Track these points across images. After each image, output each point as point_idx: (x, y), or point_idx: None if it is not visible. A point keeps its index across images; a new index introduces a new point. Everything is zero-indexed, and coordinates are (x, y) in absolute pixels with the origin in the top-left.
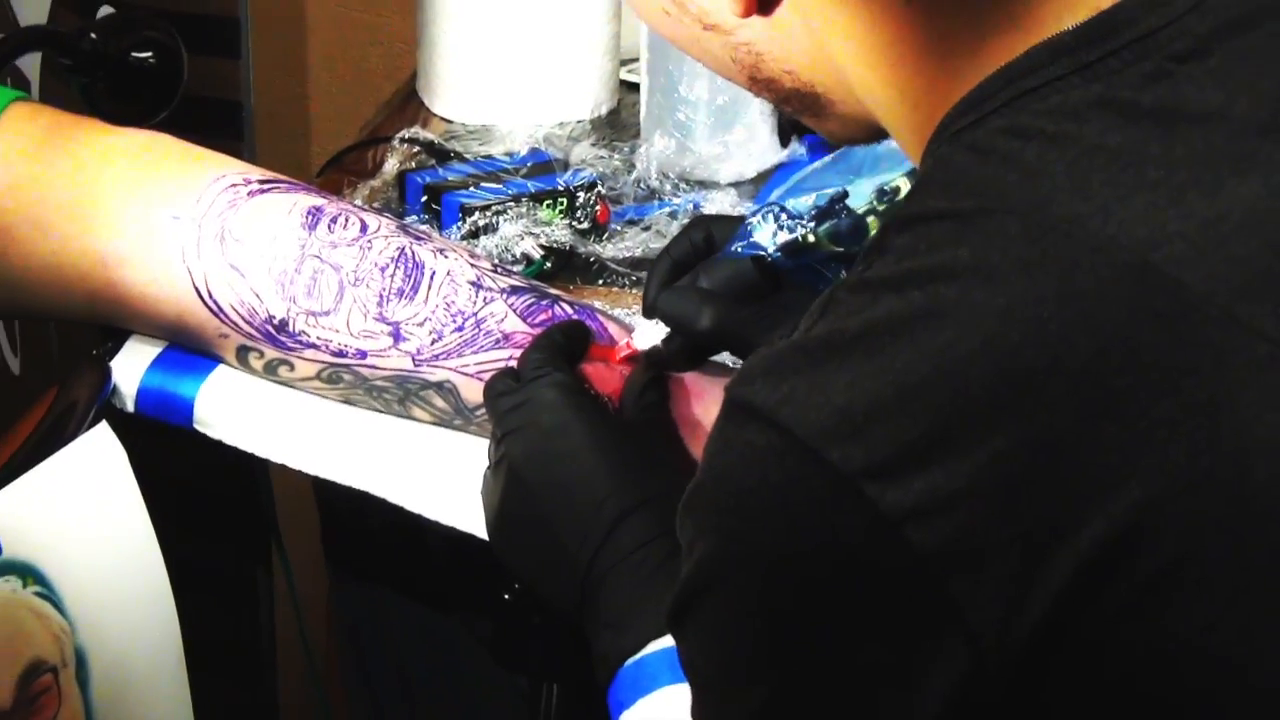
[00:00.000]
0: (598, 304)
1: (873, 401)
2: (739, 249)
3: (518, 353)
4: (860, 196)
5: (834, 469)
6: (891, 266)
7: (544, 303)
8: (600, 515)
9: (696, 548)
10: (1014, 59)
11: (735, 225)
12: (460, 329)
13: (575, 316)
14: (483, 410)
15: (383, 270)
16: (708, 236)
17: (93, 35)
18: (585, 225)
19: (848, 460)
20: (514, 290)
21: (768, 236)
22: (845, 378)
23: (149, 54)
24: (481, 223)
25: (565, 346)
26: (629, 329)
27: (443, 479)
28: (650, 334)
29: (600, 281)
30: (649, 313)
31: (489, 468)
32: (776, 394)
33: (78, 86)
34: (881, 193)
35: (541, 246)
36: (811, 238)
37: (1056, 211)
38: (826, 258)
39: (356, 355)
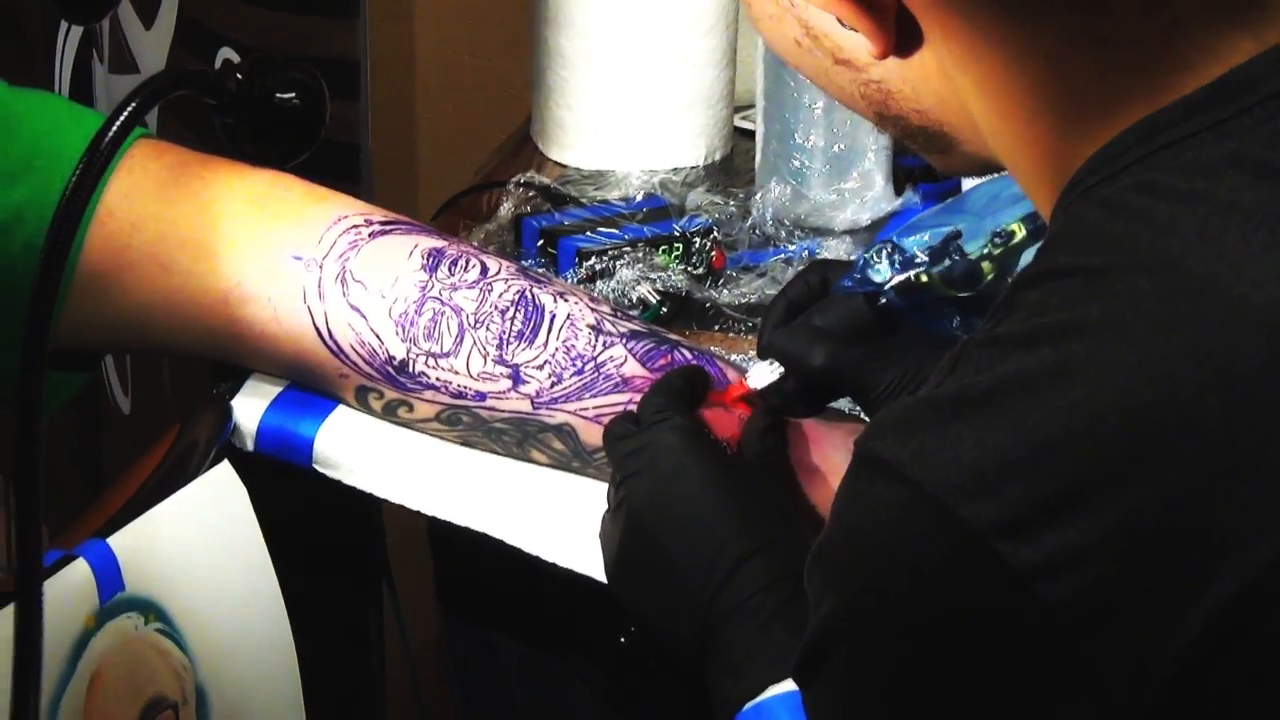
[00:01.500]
0: (714, 349)
1: (1003, 458)
2: (851, 284)
3: (637, 397)
4: (975, 240)
5: (964, 525)
6: (1021, 323)
7: (663, 348)
8: (721, 558)
9: (825, 601)
10: (1147, 115)
11: (850, 268)
12: (580, 372)
13: (694, 361)
14: (601, 454)
15: (503, 313)
16: (823, 279)
17: (239, 75)
18: (701, 271)
19: (978, 516)
20: (633, 335)
21: (881, 275)
22: (976, 434)
23: (293, 94)
24: (598, 267)
25: (684, 391)
26: (744, 372)
27: (560, 521)
28: (764, 374)
29: (716, 327)
30: (763, 351)
31: (608, 511)
32: (907, 449)
33: (221, 128)
34: (996, 237)
35: (658, 291)
36: (925, 278)
37: (1189, 269)
38: (940, 300)
39: (475, 397)
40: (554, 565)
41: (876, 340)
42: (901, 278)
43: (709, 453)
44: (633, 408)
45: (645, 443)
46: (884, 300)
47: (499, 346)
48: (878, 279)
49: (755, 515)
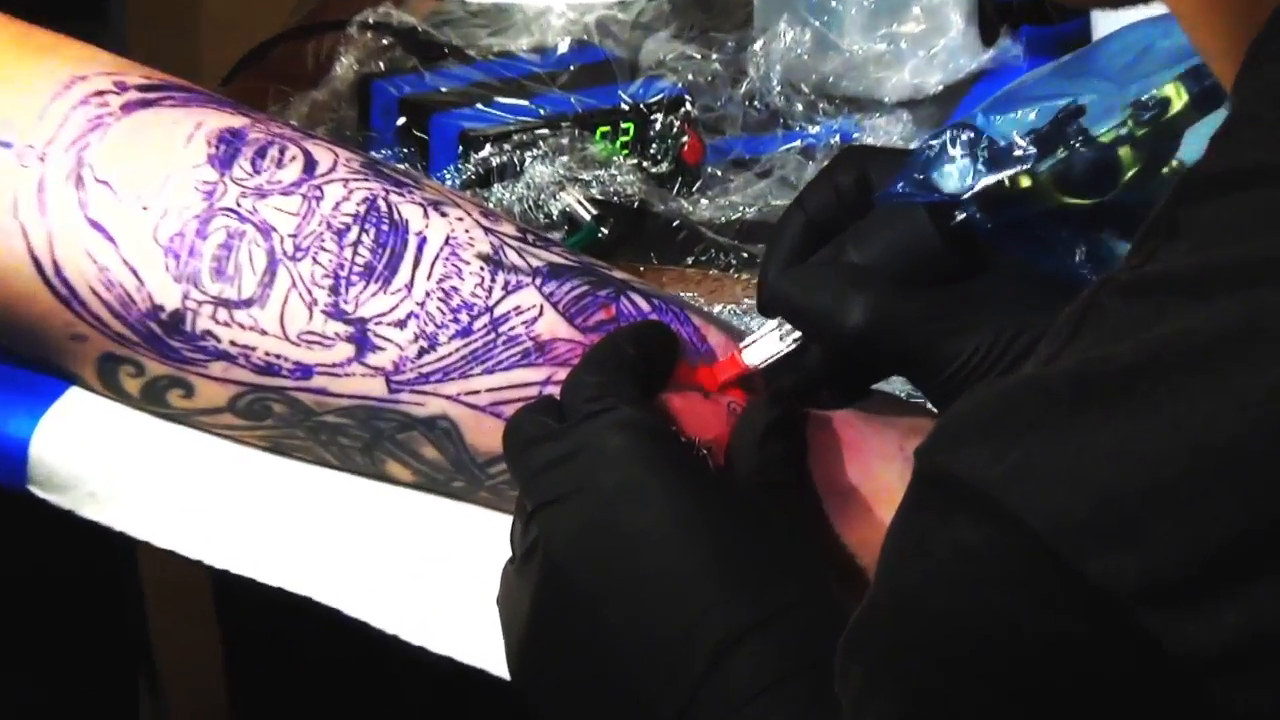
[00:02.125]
0: (687, 296)
1: (1155, 480)
2: (908, 192)
3: (559, 374)
4: (1108, 118)
5: (1093, 587)
6: (1187, 258)
7: (603, 294)
8: (696, 641)
9: (869, 711)
10: None
11: (901, 163)
12: (466, 332)
13: (653, 317)
14: (500, 467)
15: (339, 236)
16: (862, 181)
17: None
18: (665, 168)
19: (1116, 573)
20: (553, 272)
21: (957, 177)
22: (1111, 440)
23: None
24: (496, 162)
25: (638, 365)
26: (738, 336)
27: (430, 578)
28: (770, 343)
29: (690, 260)
30: (768, 304)
31: (512, 561)
32: (1000, 465)
33: None
34: (1141, 108)
35: (594, 202)
36: (1028, 181)
37: None
38: (1052, 217)
39: (295, 373)
40: (419, 649)
41: (949, 284)
42: (990, 181)
43: (678, 466)
44: (554, 391)
45: (574, 448)
46: (961, 218)
47: (334, 291)
48: (951, 184)
49: (752, 569)
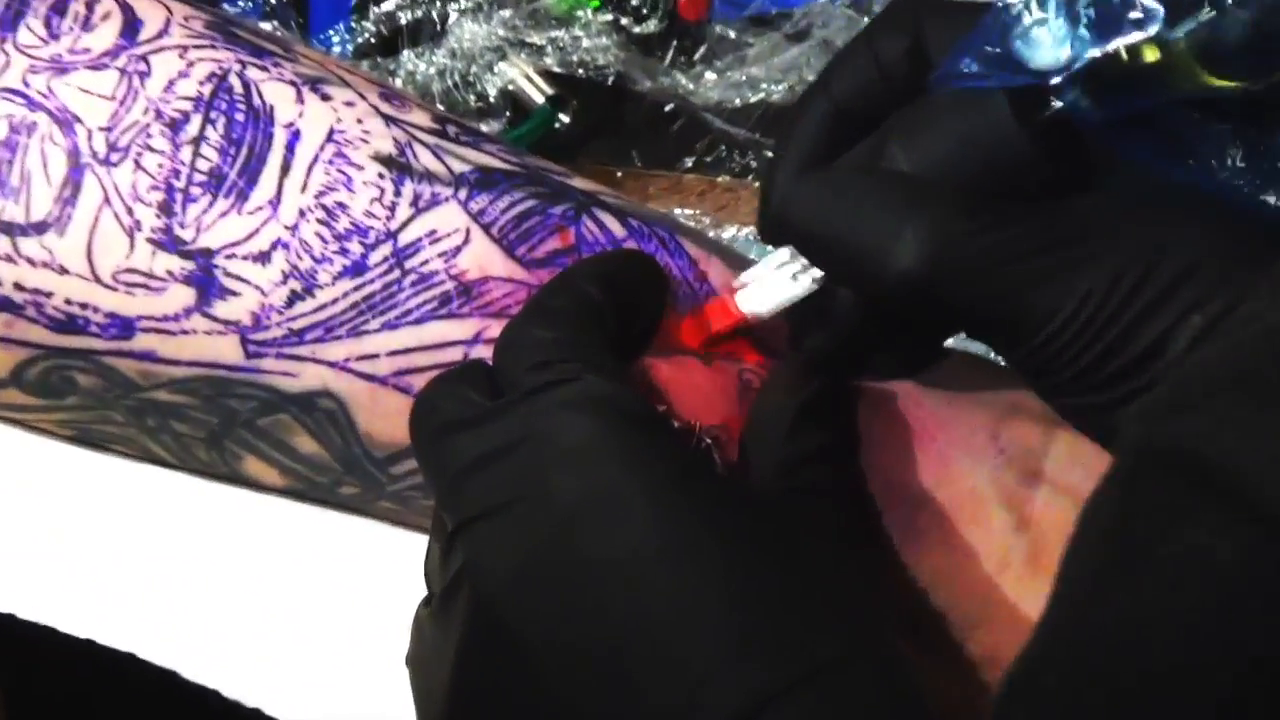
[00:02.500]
0: (684, 215)
1: None
2: (977, 70)
3: (494, 327)
4: None
5: None
6: None
7: (556, 210)
8: (699, 714)
9: None
10: None
11: (973, 23)
12: (358, 269)
13: (628, 244)
14: (409, 465)
15: (174, 129)
16: (915, 53)
17: None
18: (653, 26)
19: None
20: (485, 181)
21: (1048, 49)
22: None
23: None
24: (405, 19)
25: (609, 316)
26: (736, 268)
27: (303, 624)
28: (777, 283)
29: (689, 162)
30: (775, 227)
31: (427, 602)
32: (1252, 438)
33: None
34: None
35: (549, 77)
36: (1154, 53)
37: None
38: (1193, 104)
39: (109, 329)
40: None
41: (1040, 205)
42: (1100, 53)
43: (668, 463)
44: (486, 353)
45: (515, 437)
46: (1057, 107)
47: (165, 210)
48: (1042, 57)
49: (777, 614)
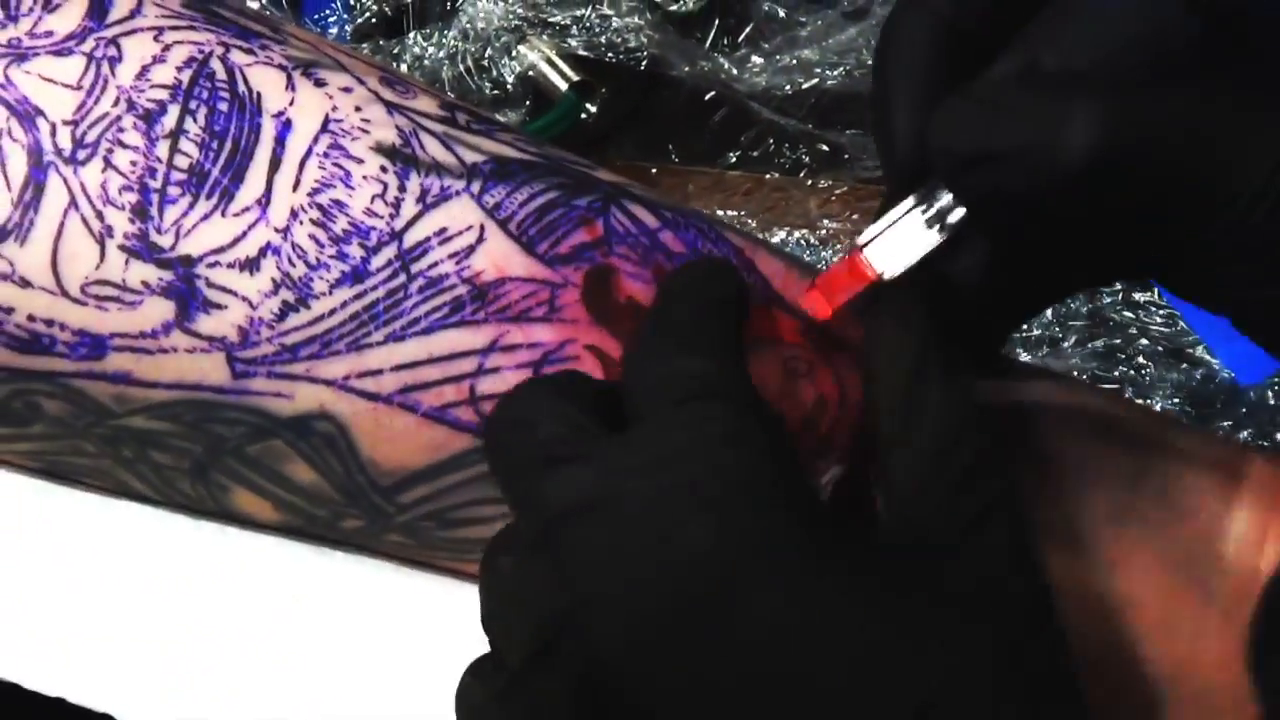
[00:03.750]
0: (728, 217)
1: None
2: None
3: (514, 334)
4: None
5: None
6: None
7: (581, 202)
8: None
9: None
10: None
11: None
12: (358, 275)
13: (664, 235)
14: (421, 491)
15: (149, 122)
16: None
17: None
18: (691, 4)
19: None
20: (501, 172)
21: None
22: None
23: None
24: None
25: (735, 334)
26: (811, 273)
27: (305, 687)
28: (912, 232)
29: (734, 157)
30: (905, 166)
31: (481, 670)
32: None
33: None
34: None
35: (574, 61)
36: None
37: None
38: None
39: (78, 348)
40: None
41: (1227, 69)
42: None
43: (830, 531)
44: (501, 363)
45: (658, 478)
46: None
47: (140, 213)
48: None
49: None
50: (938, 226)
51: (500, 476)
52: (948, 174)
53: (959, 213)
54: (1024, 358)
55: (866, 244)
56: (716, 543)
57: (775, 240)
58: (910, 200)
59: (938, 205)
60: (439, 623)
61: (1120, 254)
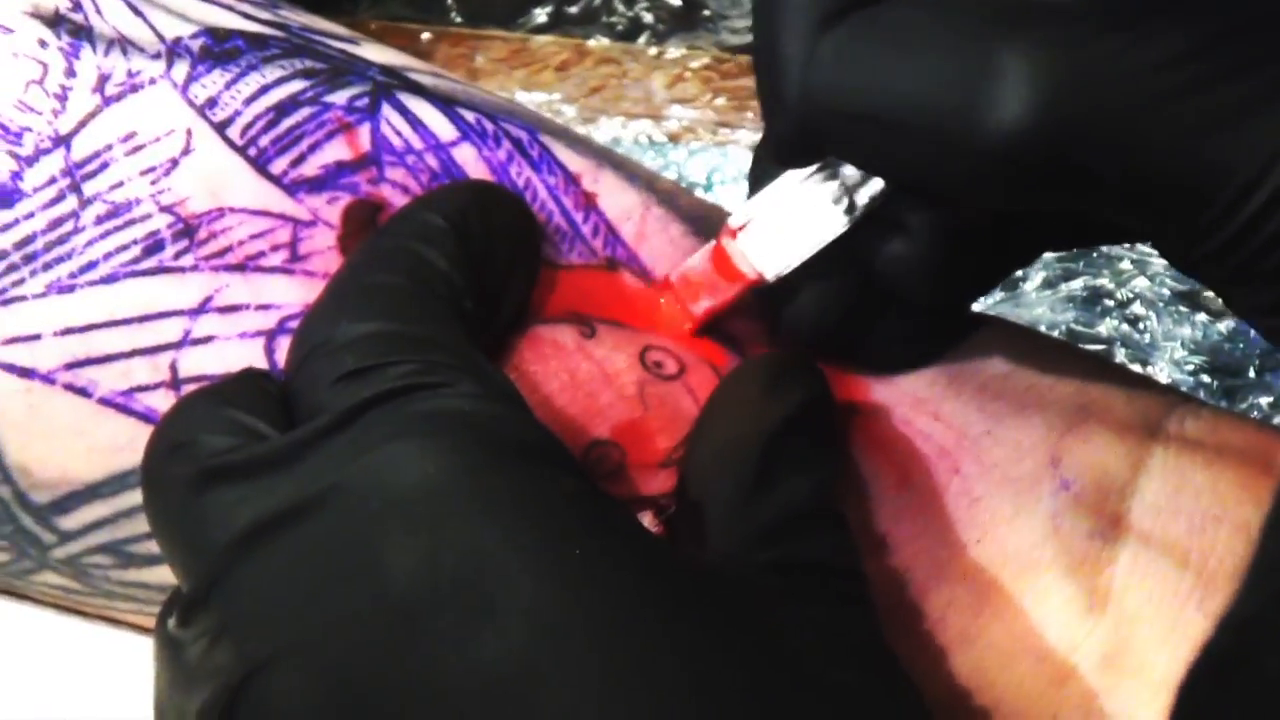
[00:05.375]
0: (529, 101)
1: None
2: None
3: (233, 291)
4: None
5: None
6: None
7: (337, 98)
8: None
9: None
10: None
11: None
12: (7, 195)
13: (460, 148)
14: (88, 512)
15: None
16: None
17: None
18: None
19: None
20: (217, 50)
21: None
22: None
23: None
24: None
25: (460, 287)
26: (674, 200)
27: None
28: (811, 217)
29: (536, 14)
30: (798, 126)
31: None
32: None
33: None
34: None
35: None
36: None
37: None
38: None
39: None
40: None
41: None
42: None
43: (572, 524)
44: (218, 330)
45: (321, 491)
46: None
47: None
48: None
49: None
50: (844, 205)
51: (152, 525)
52: (840, 136)
53: (874, 185)
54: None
55: (739, 228)
56: (423, 567)
57: (602, 132)
58: (804, 170)
59: (843, 175)
60: (118, 690)
61: (1085, 231)
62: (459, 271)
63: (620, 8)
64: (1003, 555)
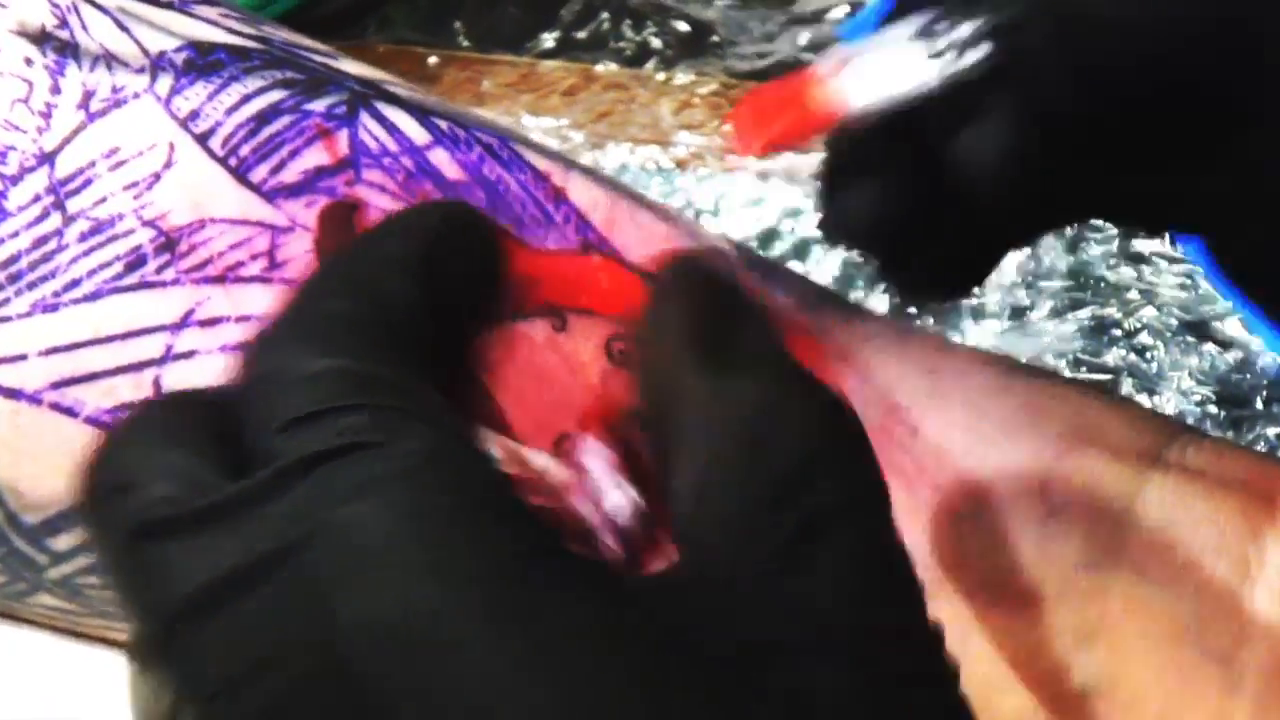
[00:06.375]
0: (535, 126)
1: None
2: None
3: (214, 303)
4: None
5: None
6: None
7: (316, 106)
8: None
9: None
10: None
11: None
12: None
13: (432, 154)
14: (78, 534)
15: None
16: None
17: None
18: None
19: None
20: (199, 64)
21: None
22: None
23: None
24: None
25: (418, 310)
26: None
27: None
28: (912, 57)
29: (544, 39)
30: None
31: None
32: None
33: None
34: None
35: None
36: None
37: None
38: None
39: None
40: None
41: None
42: None
43: (535, 588)
44: (200, 344)
45: (271, 551)
46: None
47: None
48: None
49: None
50: (945, 57)
51: (101, 570)
52: None
53: (983, 49)
54: (968, 336)
55: (829, 70)
56: (369, 618)
57: (609, 160)
58: (905, 30)
59: (950, 33)
60: (116, 712)
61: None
62: (422, 295)
63: (628, 33)
64: (987, 583)
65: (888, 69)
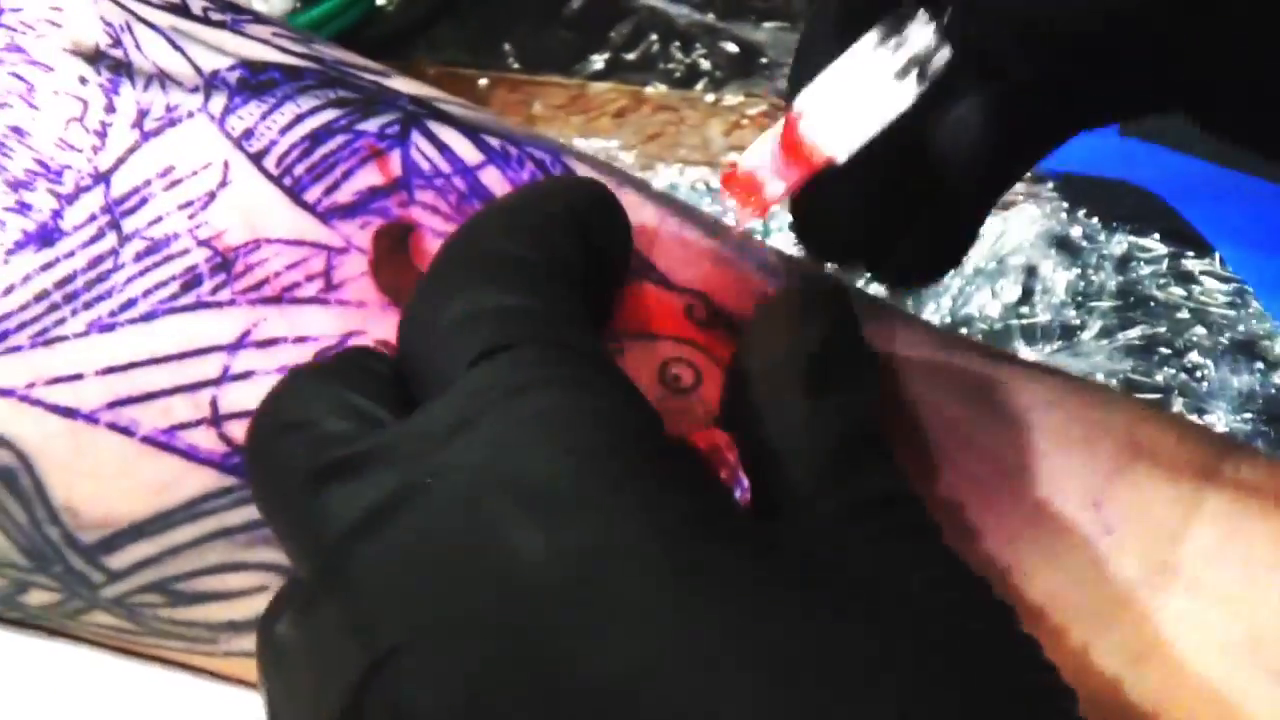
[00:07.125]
0: (585, 146)
1: None
2: None
3: (270, 324)
4: None
5: None
6: None
7: (368, 126)
8: None
9: None
10: None
11: None
12: (45, 237)
13: (484, 173)
14: (135, 551)
15: None
16: None
17: None
18: None
19: None
20: (252, 81)
21: None
22: None
23: None
24: None
25: (582, 274)
26: (704, 223)
27: None
28: (877, 89)
29: (594, 60)
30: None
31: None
32: None
33: None
34: None
35: None
36: None
37: None
38: None
39: None
40: None
41: None
42: None
43: (715, 521)
44: (255, 364)
45: (460, 482)
46: None
47: None
48: None
49: None
50: (914, 74)
51: (264, 509)
52: None
53: (944, 53)
54: (1024, 353)
55: (803, 113)
56: (551, 557)
57: (660, 179)
58: (870, 38)
59: (910, 44)
60: None
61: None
62: (584, 253)
63: (678, 55)
64: (1040, 600)
65: (863, 106)
